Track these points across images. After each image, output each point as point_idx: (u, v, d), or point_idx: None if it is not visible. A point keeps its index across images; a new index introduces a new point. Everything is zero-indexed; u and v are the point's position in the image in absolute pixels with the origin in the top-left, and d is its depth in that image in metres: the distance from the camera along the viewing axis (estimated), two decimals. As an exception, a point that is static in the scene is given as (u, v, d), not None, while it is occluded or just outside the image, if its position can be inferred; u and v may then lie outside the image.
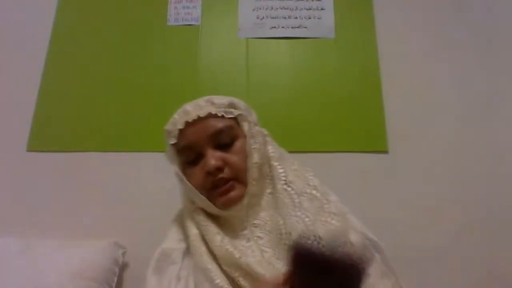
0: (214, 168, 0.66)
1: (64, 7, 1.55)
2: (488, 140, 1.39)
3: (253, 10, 1.54)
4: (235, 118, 0.72)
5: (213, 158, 0.67)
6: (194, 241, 0.67)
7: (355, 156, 1.36)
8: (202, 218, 0.69)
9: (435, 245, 1.26)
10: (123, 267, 1.20)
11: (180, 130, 0.70)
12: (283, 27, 1.52)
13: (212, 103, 0.71)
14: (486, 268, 1.24)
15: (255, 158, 0.69)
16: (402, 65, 1.48)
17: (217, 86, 1.43)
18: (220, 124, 0.70)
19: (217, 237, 0.65)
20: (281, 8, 1.54)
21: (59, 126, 1.40)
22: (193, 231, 0.69)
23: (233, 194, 0.68)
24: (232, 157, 0.69)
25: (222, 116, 0.70)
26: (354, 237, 0.68)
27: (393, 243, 1.21)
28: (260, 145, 0.72)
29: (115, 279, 1.14)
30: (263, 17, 1.53)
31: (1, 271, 1.05)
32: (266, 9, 1.54)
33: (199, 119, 0.69)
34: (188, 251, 0.69)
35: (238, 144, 0.70)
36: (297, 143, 1.37)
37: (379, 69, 1.46)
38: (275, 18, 1.53)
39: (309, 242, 0.44)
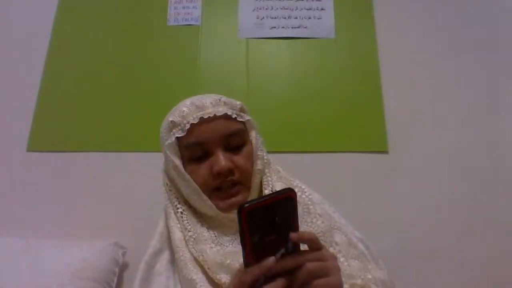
0: (226, 169, 0.65)
1: (64, 7, 1.55)
2: (488, 140, 1.39)
3: (253, 10, 1.54)
4: (243, 123, 0.71)
5: (224, 159, 0.66)
6: (178, 247, 0.65)
7: (355, 156, 1.36)
8: (191, 222, 0.67)
9: (435, 245, 1.26)
10: (123, 267, 1.20)
11: (192, 124, 0.67)
12: (283, 27, 1.52)
13: (225, 103, 0.70)
14: (487, 268, 1.24)
15: (259, 165, 0.70)
16: (402, 65, 1.48)
17: (217, 86, 1.43)
18: (234, 126, 0.69)
19: (207, 246, 0.64)
20: (281, 8, 1.54)
21: (59, 126, 1.40)
22: (177, 235, 0.67)
23: (238, 198, 0.67)
24: (240, 160, 0.68)
25: (235, 119, 0.69)
26: (338, 237, 0.69)
27: (393, 243, 1.22)
28: (263, 153, 0.73)
29: (115, 279, 1.14)
30: (263, 17, 1.53)
31: (1, 271, 1.04)
32: (266, 9, 1.54)
33: (214, 117, 0.67)
34: (172, 258, 0.68)
35: (246, 149, 0.70)
36: (297, 143, 1.37)
37: (379, 69, 1.46)
38: (275, 18, 1.53)
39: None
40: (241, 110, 0.72)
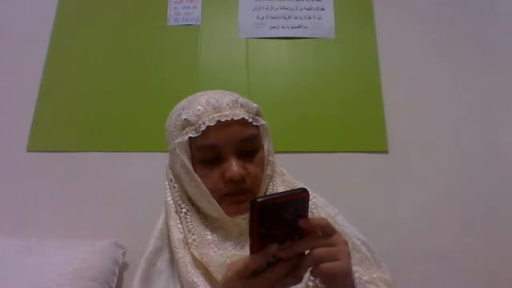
0: (239, 177, 0.64)
1: (64, 7, 1.55)
2: (488, 140, 1.40)
3: (253, 10, 1.54)
4: (257, 127, 0.69)
5: (238, 166, 0.64)
6: (177, 248, 0.64)
7: (355, 156, 1.36)
8: (194, 224, 0.67)
9: (435, 245, 1.26)
10: (123, 267, 1.20)
11: (207, 126, 0.64)
12: (283, 27, 1.52)
13: (242, 106, 0.67)
14: (487, 268, 1.24)
15: (269, 170, 0.69)
16: (402, 65, 1.48)
17: (217, 86, 1.41)
18: (249, 131, 0.67)
19: (210, 250, 0.64)
20: (281, 8, 1.54)
21: (59, 126, 1.40)
22: (176, 235, 0.66)
23: (246, 205, 0.65)
24: (253, 167, 0.67)
25: (250, 123, 0.67)
26: None
27: (393, 243, 1.23)
28: (274, 158, 0.72)
29: (115, 279, 1.14)
30: (263, 17, 1.53)
31: (1, 271, 1.04)
32: (266, 9, 1.54)
33: (231, 121, 0.64)
34: (172, 257, 0.67)
35: (259, 155, 0.68)
36: (297, 143, 1.37)
37: (379, 69, 1.46)
38: (275, 18, 1.53)
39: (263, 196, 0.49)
40: (257, 113, 0.70)
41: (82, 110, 1.42)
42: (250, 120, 0.67)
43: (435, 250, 1.26)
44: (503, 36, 1.52)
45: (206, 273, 0.62)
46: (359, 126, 1.40)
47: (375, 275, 0.66)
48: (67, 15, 1.55)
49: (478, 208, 1.31)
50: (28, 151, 1.37)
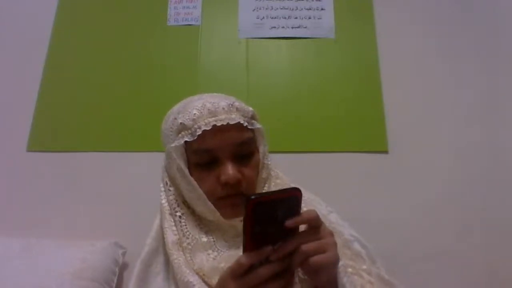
0: (235, 180, 0.64)
1: (64, 7, 1.55)
2: (488, 140, 1.40)
3: (253, 10, 1.54)
4: (253, 130, 0.69)
5: (233, 169, 0.64)
6: (171, 250, 0.65)
7: (355, 156, 1.36)
8: (189, 227, 0.67)
9: (435, 245, 1.26)
10: (123, 267, 1.20)
11: (203, 130, 0.64)
12: (283, 27, 1.52)
13: (238, 109, 0.67)
14: (486, 268, 1.24)
15: (264, 173, 0.70)
16: (402, 65, 1.48)
17: (217, 86, 1.43)
18: (244, 135, 0.67)
19: (204, 254, 0.64)
20: (281, 8, 1.54)
21: (59, 126, 1.40)
22: (170, 238, 0.66)
23: (241, 208, 0.66)
24: (248, 171, 0.67)
25: (246, 126, 0.67)
26: None
27: (393, 243, 1.23)
28: (269, 161, 0.72)
29: (115, 279, 1.14)
30: (263, 17, 1.53)
31: (1, 271, 1.05)
32: (266, 9, 1.54)
33: (227, 125, 0.64)
34: (168, 258, 0.67)
35: (254, 158, 0.69)
36: (297, 143, 1.37)
37: (379, 69, 1.46)
38: (275, 18, 1.53)
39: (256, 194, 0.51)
40: (253, 117, 0.70)
41: (82, 110, 1.42)
42: (246, 124, 0.67)
43: (435, 250, 1.26)
44: (503, 36, 1.52)
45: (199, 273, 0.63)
46: (359, 126, 1.40)
47: (364, 267, 0.66)
48: (67, 15, 1.55)
49: (478, 208, 1.31)
50: (28, 151, 1.37)
